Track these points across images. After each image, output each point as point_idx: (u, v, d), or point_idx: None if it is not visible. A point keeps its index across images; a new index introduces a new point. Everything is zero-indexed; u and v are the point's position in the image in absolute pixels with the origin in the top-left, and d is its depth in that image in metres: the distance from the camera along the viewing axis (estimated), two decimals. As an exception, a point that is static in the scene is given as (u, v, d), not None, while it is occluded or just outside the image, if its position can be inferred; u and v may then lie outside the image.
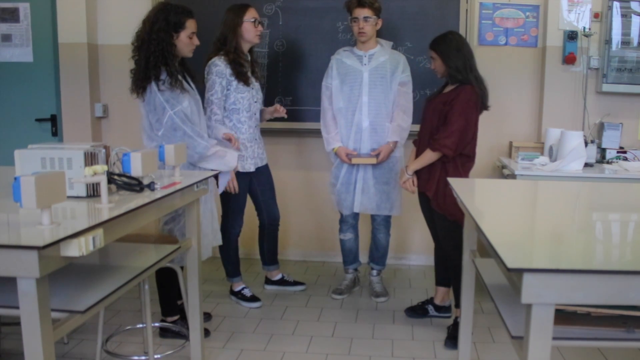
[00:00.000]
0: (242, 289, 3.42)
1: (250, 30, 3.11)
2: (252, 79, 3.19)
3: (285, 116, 3.32)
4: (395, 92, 3.29)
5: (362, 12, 3.17)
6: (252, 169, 3.24)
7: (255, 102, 3.21)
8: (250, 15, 3.11)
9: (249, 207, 3.43)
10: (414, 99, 3.43)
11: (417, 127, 3.11)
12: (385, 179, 3.35)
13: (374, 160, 3.27)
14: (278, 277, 3.63)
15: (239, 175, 3.18)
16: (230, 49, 3.07)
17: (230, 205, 3.26)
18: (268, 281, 3.66)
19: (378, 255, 3.55)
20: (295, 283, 3.64)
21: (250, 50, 3.23)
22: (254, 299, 3.39)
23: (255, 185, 3.35)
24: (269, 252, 3.56)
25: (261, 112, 3.35)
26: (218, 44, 3.12)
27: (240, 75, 3.08)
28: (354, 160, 3.29)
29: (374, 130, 3.30)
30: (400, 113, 3.30)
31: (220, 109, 3.08)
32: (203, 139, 2.74)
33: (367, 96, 3.27)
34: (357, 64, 3.30)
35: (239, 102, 3.11)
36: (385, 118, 3.30)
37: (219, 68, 3.06)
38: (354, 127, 3.31)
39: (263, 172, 3.35)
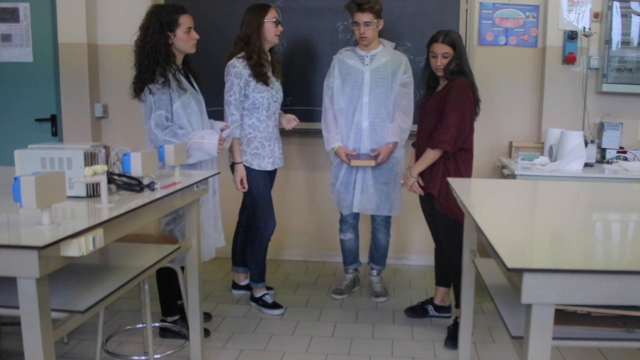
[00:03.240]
0: (264, 295, 3.33)
1: (271, 30, 3.10)
2: (273, 79, 3.18)
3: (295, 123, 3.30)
4: (397, 93, 3.28)
5: (363, 17, 3.16)
6: (270, 168, 3.22)
7: (275, 101, 3.19)
8: (272, 15, 3.11)
9: (236, 204, 3.42)
10: (414, 99, 3.43)
11: (417, 128, 3.10)
12: (384, 179, 3.34)
13: (372, 163, 3.26)
14: (245, 282, 3.52)
15: (258, 173, 3.17)
16: (255, 50, 3.07)
17: (257, 204, 3.21)
18: (235, 286, 3.58)
19: (378, 255, 3.55)
20: None
21: (271, 50, 3.23)
22: (275, 305, 3.29)
23: None
24: (242, 252, 3.46)
25: (280, 115, 3.32)
26: (241, 43, 3.11)
27: (260, 76, 3.07)
28: (353, 163, 3.28)
29: (374, 130, 3.30)
30: (400, 114, 3.29)
31: (237, 110, 3.08)
32: (177, 136, 2.65)
33: (368, 97, 3.26)
34: (359, 64, 3.30)
35: (258, 101, 3.10)
36: (385, 119, 3.29)
37: (237, 69, 3.06)
38: (353, 127, 3.30)
39: (270, 173, 3.33)
